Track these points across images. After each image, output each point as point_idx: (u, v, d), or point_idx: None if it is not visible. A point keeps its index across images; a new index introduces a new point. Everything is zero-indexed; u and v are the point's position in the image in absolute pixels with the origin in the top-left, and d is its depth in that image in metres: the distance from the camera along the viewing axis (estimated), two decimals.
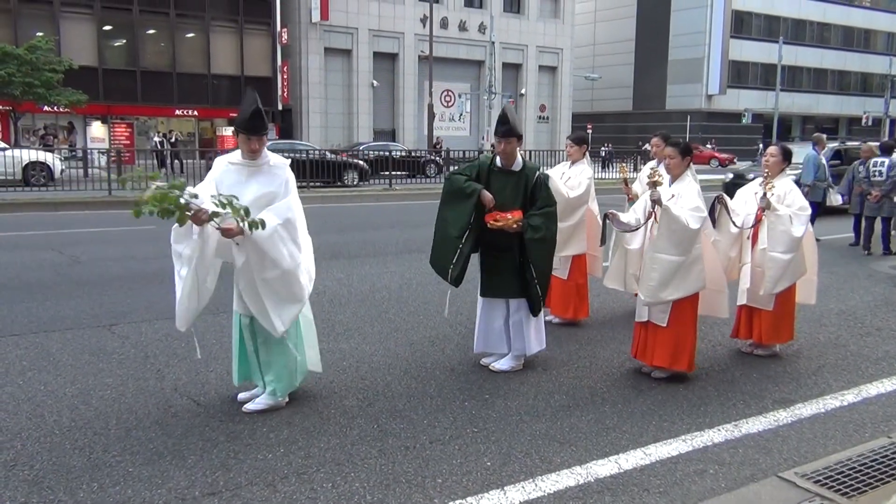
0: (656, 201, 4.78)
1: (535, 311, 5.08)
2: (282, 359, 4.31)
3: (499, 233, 4.90)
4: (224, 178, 4.12)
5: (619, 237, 5.43)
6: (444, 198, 5.06)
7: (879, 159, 11.00)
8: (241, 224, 3.84)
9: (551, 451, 3.82)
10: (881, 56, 59.06)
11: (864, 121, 51.73)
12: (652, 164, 6.76)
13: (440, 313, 6.68)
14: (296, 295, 4.17)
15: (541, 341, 5.24)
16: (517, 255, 5.00)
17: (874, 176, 10.90)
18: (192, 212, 3.74)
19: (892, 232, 11.06)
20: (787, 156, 5.53)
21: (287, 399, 4.38)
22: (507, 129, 4.95)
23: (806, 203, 5.47)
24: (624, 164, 6.64)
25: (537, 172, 5.05)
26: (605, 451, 3.84)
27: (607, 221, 5.21)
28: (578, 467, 3.65)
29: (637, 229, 5.10)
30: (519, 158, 5.07)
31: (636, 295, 5.27)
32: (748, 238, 5.57)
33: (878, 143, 12.03)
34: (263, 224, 3.89)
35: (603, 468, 3.65)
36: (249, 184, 4.10)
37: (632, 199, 6.13)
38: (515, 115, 5.25)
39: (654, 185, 4.74)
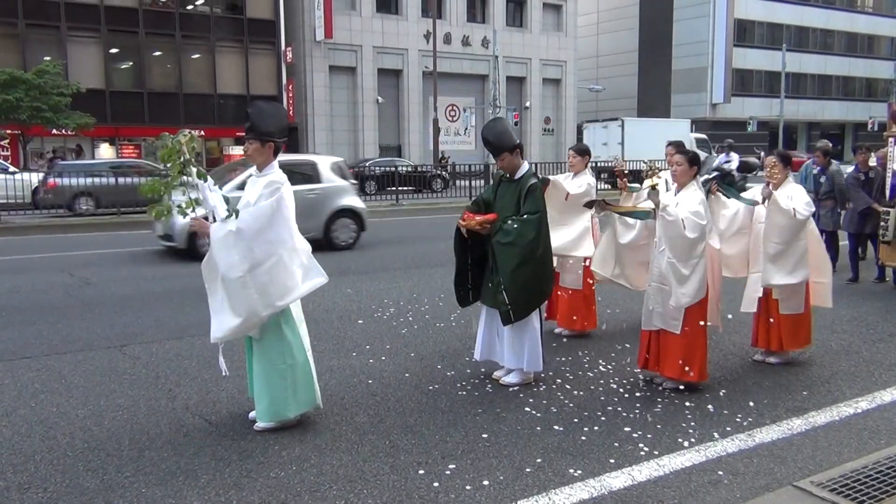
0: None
1: (503, 321, 4.92)
2: (264, 379, 4.19)
3: (488, 239, 4.98)
4: (246, 187, 4.33)
5: (609, 226, 5.62)
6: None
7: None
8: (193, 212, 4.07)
9: (564, 464, 3.81)
10: (886, 61, 58.93)
11: (869, 126, 51.56)
12: (666, 173, 6.78)
13: (449, 328, 6.68)
14: (234, 309, 4.03)
15: (531, 362, 5.00)
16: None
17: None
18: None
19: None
20: (786, 161, 5.56)
21: (298, 417, 4.36)
22: (494, 149, 5.05)
23: (803, 203, 5.39)
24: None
25: (530, 181, 4.98)
26: (618, 464, 3.82)
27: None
28: (592, 480, 3.63)
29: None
30: (524, 167, 5.10)
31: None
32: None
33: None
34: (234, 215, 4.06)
35: (617, 480, 3.63)
36: (248, 191, 4.25)
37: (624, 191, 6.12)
38: (502, 127, 5.21)
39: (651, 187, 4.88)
